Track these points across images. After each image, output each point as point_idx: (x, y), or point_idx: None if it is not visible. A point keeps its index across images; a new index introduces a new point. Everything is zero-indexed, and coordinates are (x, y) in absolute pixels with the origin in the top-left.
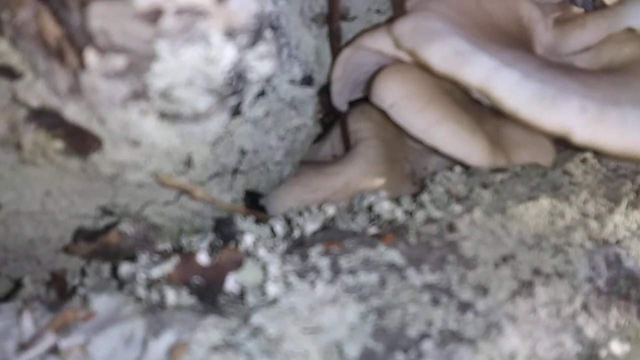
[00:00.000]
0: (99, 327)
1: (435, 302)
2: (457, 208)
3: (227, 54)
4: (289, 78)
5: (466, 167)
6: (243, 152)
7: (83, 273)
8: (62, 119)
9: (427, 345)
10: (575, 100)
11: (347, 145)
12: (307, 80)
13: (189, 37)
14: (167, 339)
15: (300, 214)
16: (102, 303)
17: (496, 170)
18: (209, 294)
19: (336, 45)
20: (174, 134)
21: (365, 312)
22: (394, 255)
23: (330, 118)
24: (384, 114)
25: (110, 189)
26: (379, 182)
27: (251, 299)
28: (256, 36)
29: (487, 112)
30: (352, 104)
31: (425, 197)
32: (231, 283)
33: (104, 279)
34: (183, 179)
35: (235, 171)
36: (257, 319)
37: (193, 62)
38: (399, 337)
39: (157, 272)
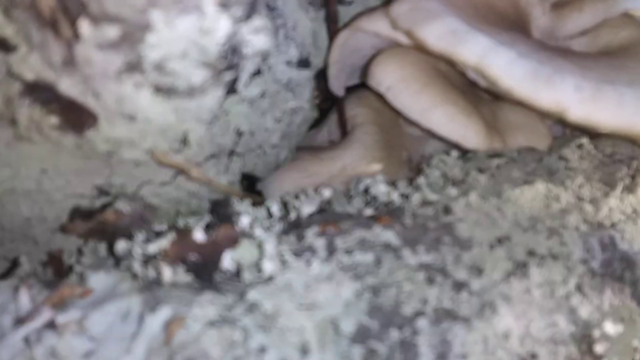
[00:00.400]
0: (96, 303)
1: (430, 281)
2: (453, 191)
3: (221, 26)
4: (286, 59)
5: (463, 152)
6: (239, 133)
7: (80, 252)
8: (57, 93)
9: (422, 323)
10: (570, 79)
11: (344, 131)
12: (304, 63)
13: (183, 7)
14: (164, 314)
15: (296, 196)
16: (98, 280)
17: (492, 155)
18: (205, 271)
19: (333, 28)
20: (169, 110)
21: (361, 290)
22: (389, 236)
23: (328, 104)
24: (381, 99)
25: (107, 168)
26: (376, 167)
27: (247, 276)
28: (251, 9)
29: (484, 96)
30: (350, 89)
31: (421, 181)
32: (227, 260)
33: (100, 258)
34: (179, 158)
35: (231, 153)
36: (253, 295)
37: (187, 33)
38: (393, 314)
39: (153, 248)
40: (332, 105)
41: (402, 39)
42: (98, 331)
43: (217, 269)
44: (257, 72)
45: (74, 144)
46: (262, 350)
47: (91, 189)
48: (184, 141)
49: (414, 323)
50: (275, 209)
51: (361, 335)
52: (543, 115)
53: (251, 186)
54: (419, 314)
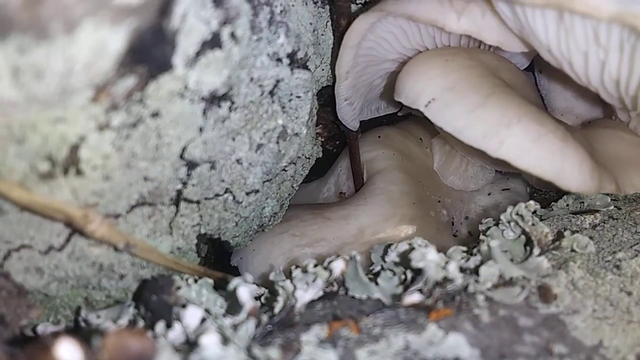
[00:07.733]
0: None
1: None
2: (543, 261)
3: None
4: (270, 51)
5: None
6: (188, 162)
7: None
8: None
9: None
10: None
11: (359, 180)
12: (299, 62)
13: None
14: None
15: (290, 275)
16: None
17: (579, 212)
18: None
19: (342, 22)
20: (11, 66)
21: None
22: (457, 344)
23: (335, 144)
24: (408, 139)
25: None
26: (409, 230)
27: None
28: None
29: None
30: (366, 128)
31: (493, 244)
32: None
33: None
34: (64, 195)
35: (178, 197)
36: None
37: None
38: None
39: None
40: (341, 147)
41: (452, 25)
42: None
43: None
44: (214, 43)
45: None
46: None
47: None
48: (70, 158)
49: None
50: (245, 294)
51: None
52: None
53: (221, 261)
54: None
